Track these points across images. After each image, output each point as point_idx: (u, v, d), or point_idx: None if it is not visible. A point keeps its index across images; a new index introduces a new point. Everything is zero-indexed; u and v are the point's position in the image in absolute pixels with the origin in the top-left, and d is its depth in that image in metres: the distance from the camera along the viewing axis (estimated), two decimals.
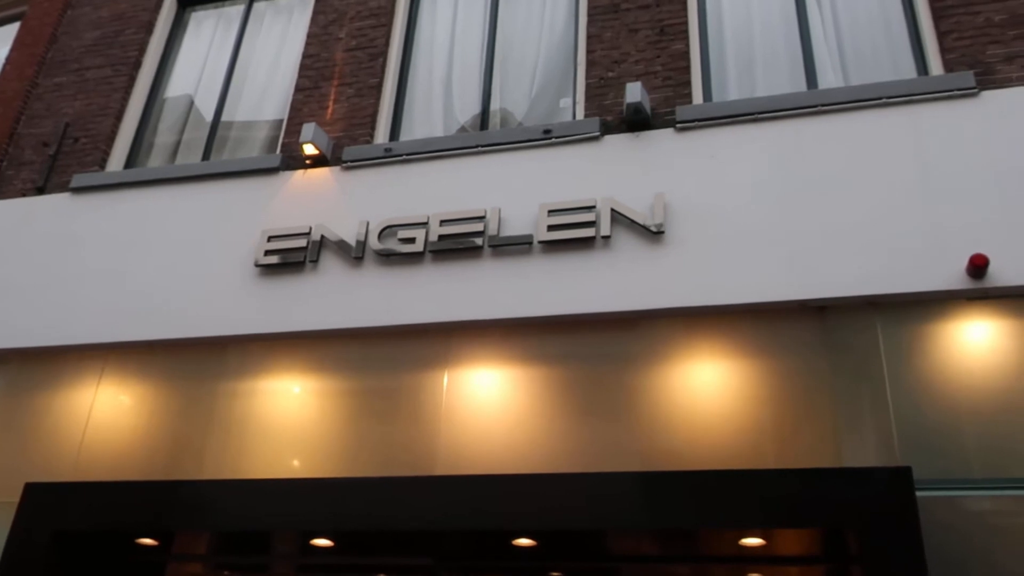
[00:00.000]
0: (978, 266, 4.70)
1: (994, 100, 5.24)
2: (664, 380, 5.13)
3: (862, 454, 4.63)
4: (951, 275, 4.80)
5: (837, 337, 4.96)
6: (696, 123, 5.74)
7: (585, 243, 5.51)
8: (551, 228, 5.58)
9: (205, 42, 7.97)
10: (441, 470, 5.18)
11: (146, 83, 7.76)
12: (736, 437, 4.87)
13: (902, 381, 4.73)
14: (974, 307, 4.82)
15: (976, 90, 5.29)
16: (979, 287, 4.74)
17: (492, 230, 5.70)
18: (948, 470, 4.47)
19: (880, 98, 5.44)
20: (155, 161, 7.41)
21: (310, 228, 6.07)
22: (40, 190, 7.18)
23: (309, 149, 6.37)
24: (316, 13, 7.37)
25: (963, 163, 5.09)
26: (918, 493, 4.21)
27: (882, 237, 5.01)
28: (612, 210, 5.50)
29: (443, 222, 5.82)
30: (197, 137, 7.39)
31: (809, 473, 4.41)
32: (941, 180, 5.08)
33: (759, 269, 5.15)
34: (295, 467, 5.52)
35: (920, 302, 4.88)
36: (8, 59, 8.20)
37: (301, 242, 6.05)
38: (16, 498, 5.54)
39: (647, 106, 5.79)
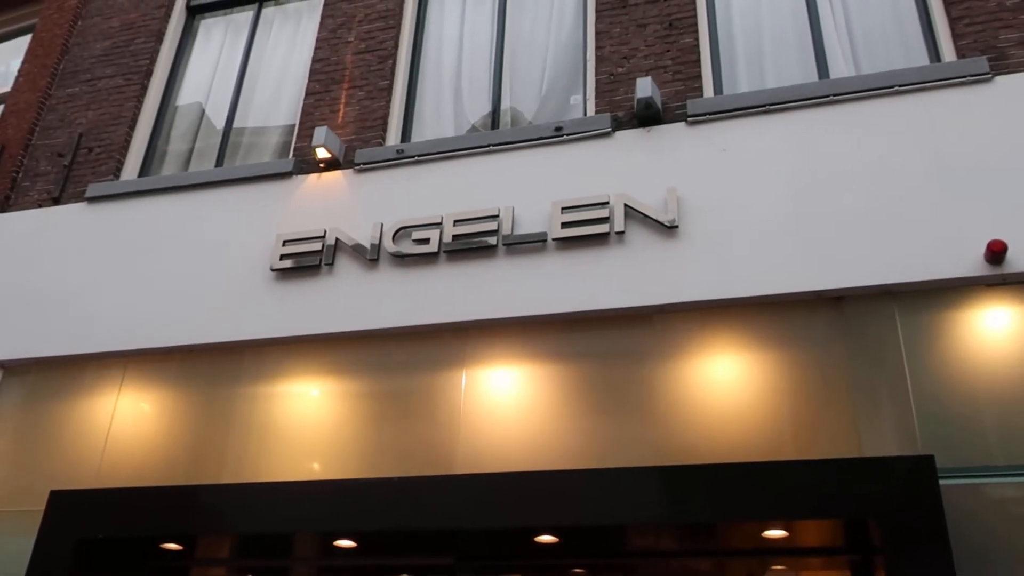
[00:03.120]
0: (996, 252, 4.67)
1: (1008, 85, 5.20)
2: (681, 374, 5.12)
3: (883, 444, 4.60)
4: (969, 262, 4.77)
5: (855, 327, 4.94)
6: (707, 116, 5.73)
7: (599, 239, 5.51)
8: (565, 225, 5.58)
9: (215, 49, 8.02)
10: (460, 469, 5.19)
11: (158, 91, 7.80)
12: (755, 430, 4.86)
13: (922, 369, 4.70)
14: (993, 293, 4.79)
15: (990, 75, 5.25)
16: (998, 273, 4.71)
17: (506, 229, 5.71)
18: (970, 458, 4.44)
19: (892, 86, 5.41)
20: (169, 169, 7.45)
21: (324, 231, 6.10)
22: (56, 200, 7.24)
23: (321, 153, 6.39)
24: (325, 17, 7.39)
25: (978, 149, 5.06)
26: (940, 481, 4.19)
27: (898, 225, 4.99)
28: (625, 205, 5.50)
29: (457, 222, 5.83)
30: (210, 144, 7.43)
31: (830, 464, 4.39)
32: (956, 166, 5.05)
33: (774, 261, 5.13)
34: (315, 469, 5.54)
35: (938, 290, 4.85)
36: (21, 71, 8.26)
37: (316, 245, 6.07)
38: (41, 506, 5.59)
39: (658, 101, 5.78)
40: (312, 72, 7.12)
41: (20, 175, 7.55)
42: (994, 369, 4.60)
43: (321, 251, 6.05)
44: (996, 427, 4.48)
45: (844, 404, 4.77)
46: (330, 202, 6.32)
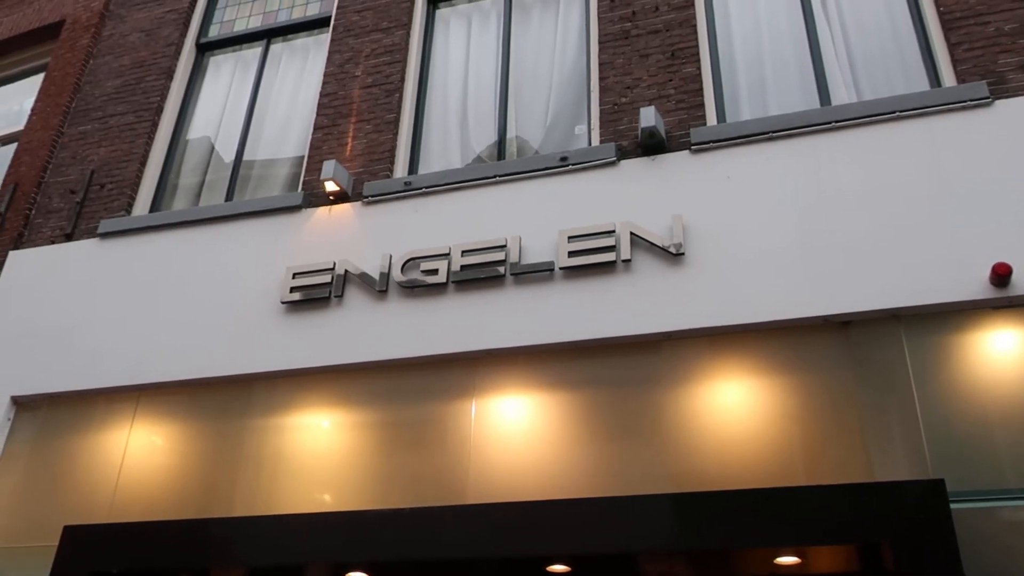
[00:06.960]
0: (1001, 275, 4.69)
1: (1008, 109, 5.25)
2: (690, 401, 5.14)
3: (893, 468, 4.60)
4: (974, 285, 4.79)
5: (862, 351, 4.96)
6: (711, 144, 5.79)
7: (606, 267, 5.55)
8: (572, 254, 5.62)
9: (224, 85, 8.14)
10: (472, 499, 5.20)
11: (168, 127, 7.91)
12: (765, 455, 4.86)
13: (930, 393, 4.71)
14: (999, 316, 4.80)
15: (990, 99, 5.31)
16: (1003, 296, 4.73)
17: (513, 258, 5.75)
18: (981, 481, 4.43)
19: (894, 112, 5.47)
20: (179, 203, 7.54)
21: (334, 263, 6.15)
22: (68, 237, 7.32)
23: (330, 186, 6.47)
24: (332, 52, 7.50)
25: (980, 172, 5.10)
26: (952, 505, 4.18)
27: (903, 250, 5.02)
28: (631, 234, 5.55)
29: (465, 252, 5.88)
30: (220, 178, 7.52)
31: (842, 489, 4.40)
32: (959, 190, 5.09)
33: (781, 286, 5.16)
34: (326, 501, 5.56)
35: (944, 313, 4.87)
36: (34, 109, 8.39)
37: (325, 278, 6.13)
38: (54, 541, 5.61)
39: (662, 130, 5.84)
40: (320, 106, 7.21)
41: (33, 212, 7.65)
42: (1003, 391, 4.61)
43: (331, 283, 6.10)
44: (1007, 450, 4.48)
45: (853, 429, 4.78)
46: (339, 234, 6.39)
